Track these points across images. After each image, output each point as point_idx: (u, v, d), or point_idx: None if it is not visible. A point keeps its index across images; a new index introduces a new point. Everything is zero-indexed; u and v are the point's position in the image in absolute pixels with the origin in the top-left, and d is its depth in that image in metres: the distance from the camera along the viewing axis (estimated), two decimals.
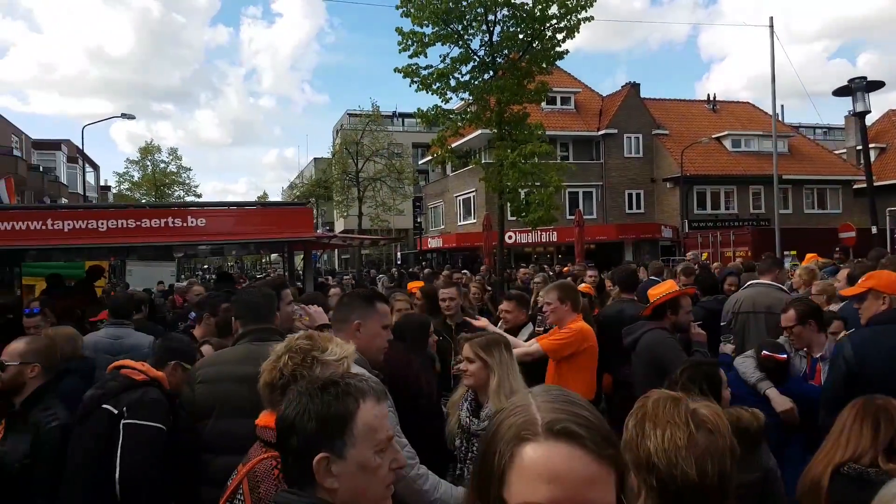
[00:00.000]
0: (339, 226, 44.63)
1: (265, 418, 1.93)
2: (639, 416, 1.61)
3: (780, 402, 3.69)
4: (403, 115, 52.23)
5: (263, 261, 54.70)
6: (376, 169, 37.11)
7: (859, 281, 3.81)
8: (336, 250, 40.11)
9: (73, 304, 7.06)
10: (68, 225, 7.51)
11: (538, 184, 14.27)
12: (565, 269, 14.33)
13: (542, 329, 5.05)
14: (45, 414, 2.84)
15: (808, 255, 9.43)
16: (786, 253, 14.75)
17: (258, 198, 57.12)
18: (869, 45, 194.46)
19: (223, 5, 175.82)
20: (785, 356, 3.88)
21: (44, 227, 7.40)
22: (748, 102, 40.67)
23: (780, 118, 26.94)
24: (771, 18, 19.85)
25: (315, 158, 55.26)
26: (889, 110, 39.93)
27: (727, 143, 34.55)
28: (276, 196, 66.94)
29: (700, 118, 36.82)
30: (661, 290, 4.47)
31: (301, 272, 11.36)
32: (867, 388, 2.59)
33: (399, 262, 39.31)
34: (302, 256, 13.01)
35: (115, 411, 2.70)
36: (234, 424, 2.84)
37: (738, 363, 4.06)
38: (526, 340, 4.72)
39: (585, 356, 4.39)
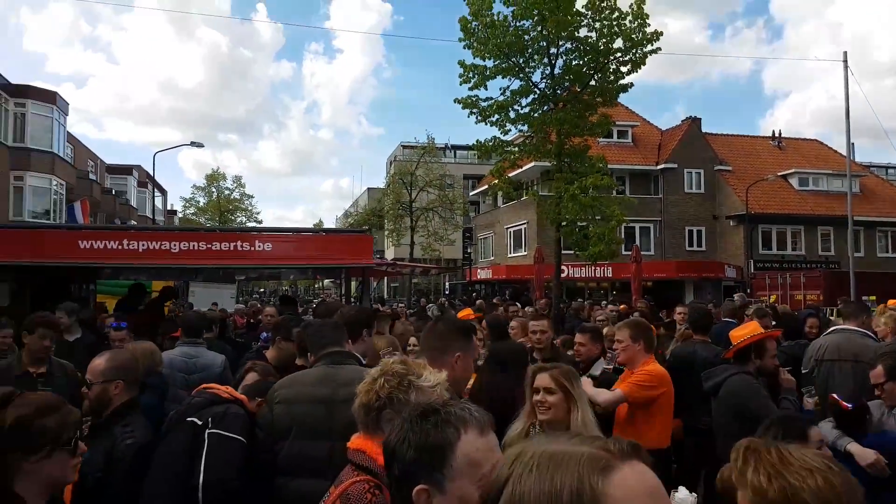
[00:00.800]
0: (390, 254, 45.14)
1: (358, 441, 1.89)
2: (765, 466, 1.49)
3: (864, 455, 3.42)
4: (455, 147, 52.91)
5: (316, 286, 55.67)
6: (429, 199, 37.55)
7: None
8: (386, 278, 40.49)
9: (144, 321, 7.26)
10: (143, 245, 7.84)
11: (598, 217, 14.07)
12: (622, 307, 13.94)
13: (610, 367, 4.88)
14: (124, 430, 2.85)
15: (891, 301, 8.91)
16: (863, 298, 14.03)
17: (314, 225, 58.49)
18: None
19: (287, 41, 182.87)
20: (850, 405, 3.61)
21: (120, 247, 7.73)
22: (816, 139, 39.58)
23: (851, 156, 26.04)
24: (845, 53, 19.35)
25: (369, 188, 56.46)
26: None
27: (794, 182, 33.53)
28: (330, 223, 68.54)
29: (765, 154, 35.92)
30: (745, 332, 4.28)
31: (355, 299, 11.45)
32: None
33: (447, 292, 39.35)
34: (358, 283, 13.14)
35: (200, 422, 2.74)
36: (309, 447, 2.84)
37: (821, 426, 3.80)
38: (599, 375, 4.57)
39: (662, 401, 4.15)
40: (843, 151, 24.55)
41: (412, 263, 27.36)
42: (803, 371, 5.55)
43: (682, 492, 2.55)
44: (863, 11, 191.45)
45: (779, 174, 32.26)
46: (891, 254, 32.78)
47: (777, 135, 38.17)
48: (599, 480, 0.82)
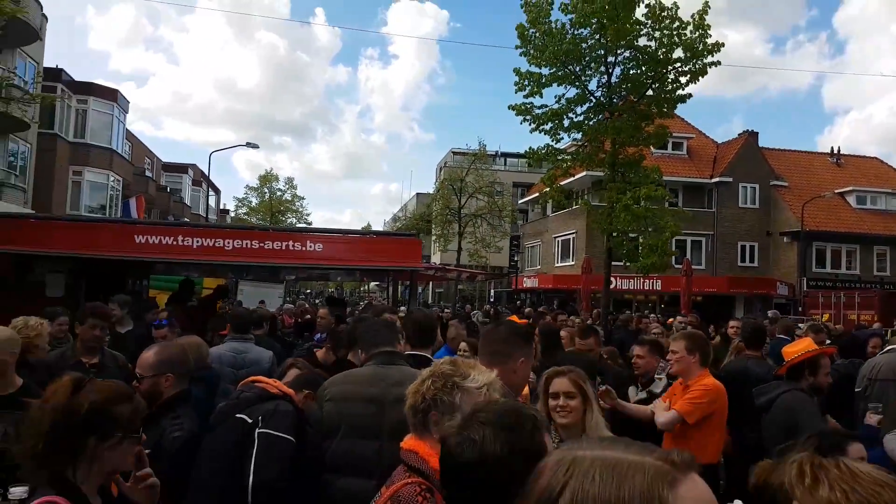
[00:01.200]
0: (436, 259, 45.24)
1: (410, 442, 1.88)
2: (838, 482, 1.43)
3: None
4: (506, 155, 52.76)
5: (362, 288, 56.28)
6: (478, 206, 37.56)
7: None
8: (431, 283, 40.68)
9: (197, 317, 7.43)
10: (197, 242, 8.01)
11: (651, 228, 13.80)
12: (669, 320, 13.67)
13: (661, 377, 4.79)
14: (173, 423, 2.86)
15: None
16: None
17: (362, 228, 59.29)
18: None
19: (344, 46, 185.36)
20: None
21: (174, 243, 7.91)
22: (876, 157, 38.03)
23: None
24: None
25: (418, 193, 56.77)
26: None
27: (851, 200, 32.37)
28: (378, 227, 69.25)
29: (822, 171, 34.76)
30: (799, 348, 4.17)
31: (400, 303, 11.51)
32: None
33: (492, 300, 39.22)
34: (405, 286, 13.19)
35: (250, 420, 2.71)
36: (357, 445, 2.85)
37: (887, 440, 3.62)
38: (660, 392, 4.48)
39: (716, 417, 4.05)
40: None
41: (459, 268, 27.40)
42: (857, 390, 5.39)
43: None
44: None
45: (836, 191, 31.11)
46: None
47: (836, 151, 36.87)
48: (668, 493, 0.85)
